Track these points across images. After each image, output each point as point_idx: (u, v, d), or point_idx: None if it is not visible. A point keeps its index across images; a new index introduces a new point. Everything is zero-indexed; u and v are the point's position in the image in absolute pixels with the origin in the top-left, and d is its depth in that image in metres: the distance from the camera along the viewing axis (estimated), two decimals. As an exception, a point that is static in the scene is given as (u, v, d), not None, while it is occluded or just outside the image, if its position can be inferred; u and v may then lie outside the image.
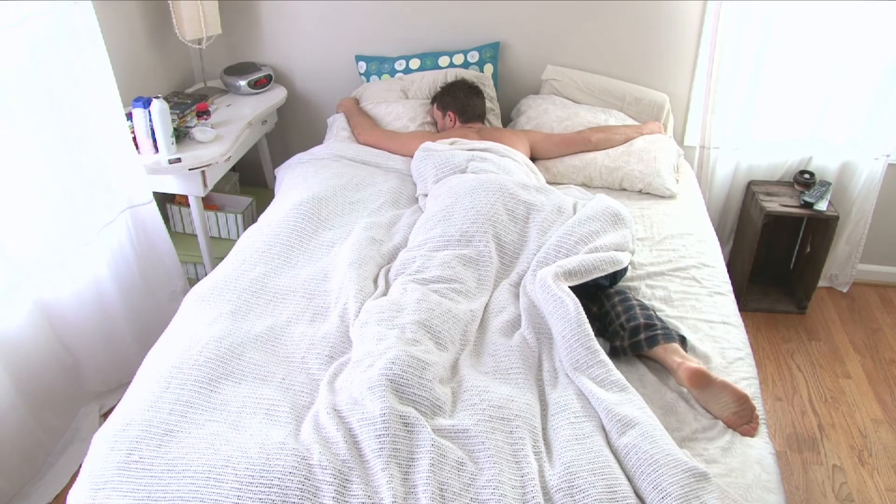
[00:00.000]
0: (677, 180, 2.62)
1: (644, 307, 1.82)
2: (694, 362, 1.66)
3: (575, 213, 2.12)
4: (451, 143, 2.49)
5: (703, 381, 1.61)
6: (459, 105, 2.69)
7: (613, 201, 2.11)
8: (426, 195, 2.35)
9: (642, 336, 1.73)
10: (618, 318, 1.80)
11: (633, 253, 2.03)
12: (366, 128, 2.74)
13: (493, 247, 2.00)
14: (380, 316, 1.74)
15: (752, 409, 1.59)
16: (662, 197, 2.55)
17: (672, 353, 1.69)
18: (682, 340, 1.77)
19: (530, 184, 2.23)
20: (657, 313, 1.84)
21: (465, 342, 1.75)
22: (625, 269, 1.98)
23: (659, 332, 1.73)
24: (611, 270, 1.87)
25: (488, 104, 2.82)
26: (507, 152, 2.44)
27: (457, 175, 2.29)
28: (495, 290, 1.94)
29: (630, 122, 2.78)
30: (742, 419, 1.57)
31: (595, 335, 1.69)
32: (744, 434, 1.56)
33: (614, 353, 1.77)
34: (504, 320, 1.82)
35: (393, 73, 2.93)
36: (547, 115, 2.77)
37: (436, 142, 2.51)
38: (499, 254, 2.00)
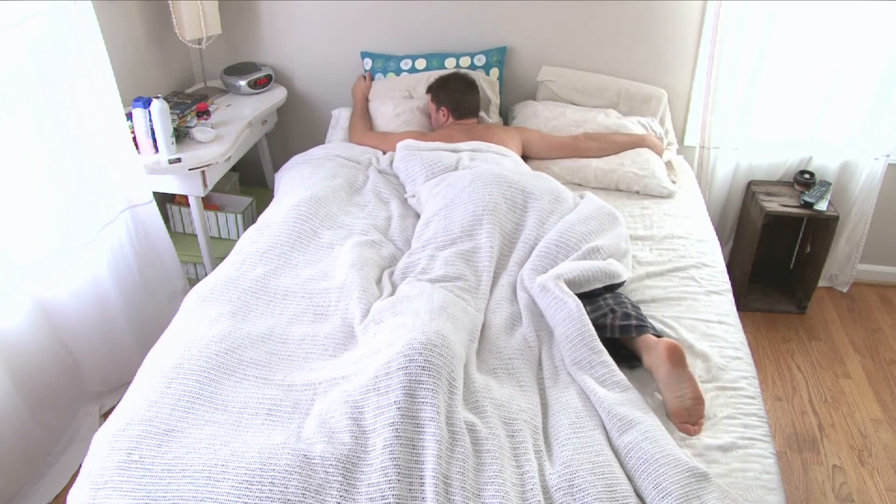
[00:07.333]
0: (674, 181, 2.63)
1: (634, 305, 1.83)
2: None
3: (573, 204, 2.17)
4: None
5: (679, 359, 1.60)
6: (453, 101, 2.66)
7: (604, 202, 2.17)
8: (414, 196, 2.36)
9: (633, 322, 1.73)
10: (607, 305, 1.81)
11: (627, 267, 2.01)
12: (359, 130, 2.78)
13: (497, 237, 2.00)
14: (394, 309, 1.75)
15: (702, 415, 1.58)
16: (661, 197, 2.55)
17: (649, 338, 1.69)
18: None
19: (524, 170, 2.24)
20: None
21: (472, 338, 1.75)
22: (621, 283, 1.96)
23: (633, 322, 1.73)
24: (608, 283, 1.88)
25: (489, 106, 2.82)
26: (497, 149, 2.45)
27: (450, 172, 2.29)
28: (495, 286, 1.94)
29: (626, 121, 2.76)
30: (689, 417, 1.57)
31: None
32: (682, 431, 1.55)
33: (600, 330, 1.75)
34: (504, 318, 1.82)
35: (398, 71, 2.93)
36: (536, 118, 2.76)
37: (423, 141, 2.51)
38: (500, 243, 2.01)
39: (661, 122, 2.84)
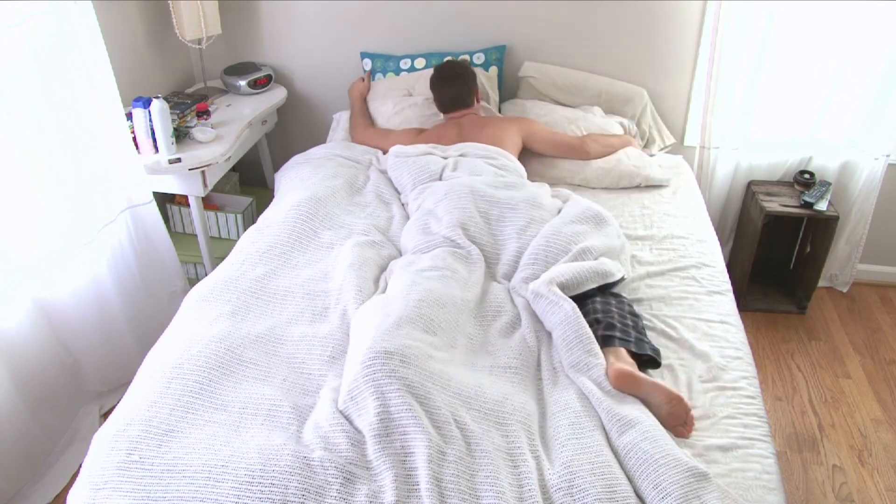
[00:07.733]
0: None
1: (622, 314, 1.78)
2: (626, 365, 1.61)
3: (554, 209, 2.16)
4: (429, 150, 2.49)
5: (628, 383, 1.58)
6: (436, 98, 2.67)
7: (590, 202, 2.15)
8: (406, 203, 2.35)
9: (598, 333, 1.71)
10: (595, 312, 1.79)
11: (624, 265, 2.00)
12: (360, 128, 2.78)
13: (476, 248, 2.01)
14: (374, 303, 1.75)
15: (687, 410, 1.55)
16: (660, 187, 2.59)
17: (611, 355, 1.65)
18: (655, 359, 1.72)
19: (500, 182, 2.22)
20: (639, 323, 1.79)
21: (457, 328, 1.73)
22: (616, 282, 1.93)
23: (617, 334, 1.70)
24: (601, 283, 1.86)
25: (489, 102, 2.82)
26: (485, 152, 2.42)
27: (433, 182, 2.30)
28: (487, 291, 1.92)
29: (610, 119, 2.76)
30: (677, 419, 1.55)
31: None
32: (678, 435, 1.53)
33: None
34: (504, 323, 1.82)
35: (398, 71, 2.93)
36: (526, 115, 2.76)
37: (413, 146, 2.50)
38: (482, 254, 2.02)
39: (639, 123, 2.85)
